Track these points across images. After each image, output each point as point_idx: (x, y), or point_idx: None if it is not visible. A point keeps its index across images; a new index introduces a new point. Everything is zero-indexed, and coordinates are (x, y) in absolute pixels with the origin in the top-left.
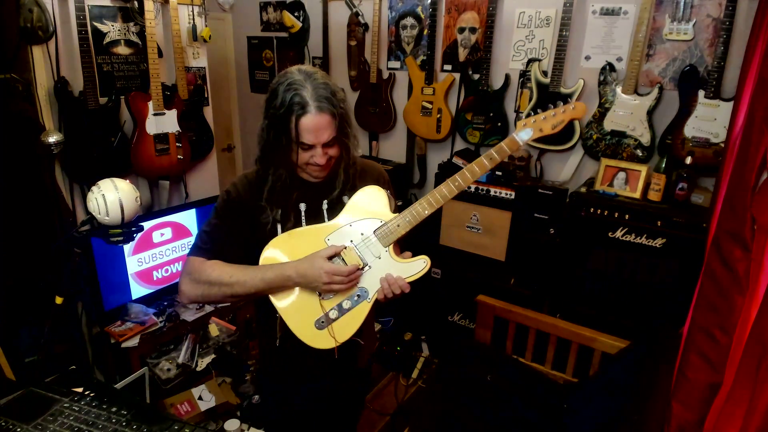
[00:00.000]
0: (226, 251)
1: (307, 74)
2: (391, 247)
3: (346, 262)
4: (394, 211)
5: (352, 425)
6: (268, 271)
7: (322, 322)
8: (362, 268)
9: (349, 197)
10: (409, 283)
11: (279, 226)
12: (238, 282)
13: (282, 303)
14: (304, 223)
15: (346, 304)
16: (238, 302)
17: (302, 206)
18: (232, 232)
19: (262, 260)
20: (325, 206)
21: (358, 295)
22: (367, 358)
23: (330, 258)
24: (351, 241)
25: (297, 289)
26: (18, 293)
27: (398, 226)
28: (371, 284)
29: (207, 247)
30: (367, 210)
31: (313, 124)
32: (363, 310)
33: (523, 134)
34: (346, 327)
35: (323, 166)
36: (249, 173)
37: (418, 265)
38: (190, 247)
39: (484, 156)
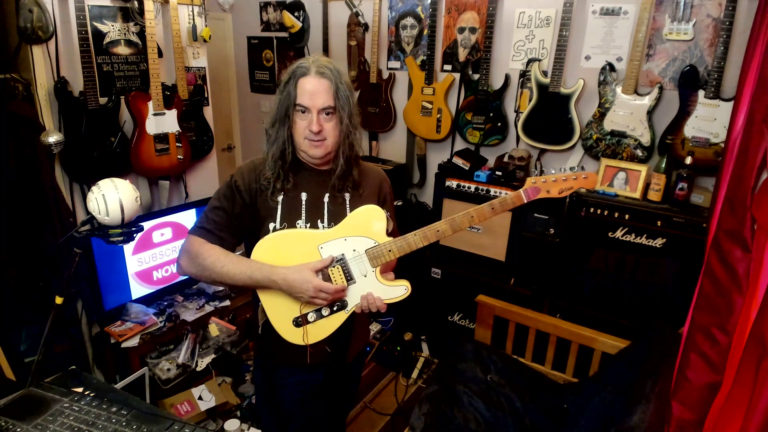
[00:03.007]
0: (224, 233)
1: (315, 57)
2: (378, 269)
3: (331, 277)
4: (390, 234)
5: (341, 418)
6: (256, 271)
7: (300, 321)
8: (347, 287)
9: (351, 195)
10: (387, 303)
11: (279, 211)
12: (228, 273)
13: (266, 294)
14: (304, 212)
15: (324, 311)
16: (230, 288)
17: (303, 195)
18: (231, 216)
19: (254, 254)
20: (326, 198)
21: (338, 305)
22: (354, 353)
23: (317, 271)
24: (342, 254)
25: None
26: (18, 293)
27: (390, 251)
28: (352, 298)
29: (206, 227)
30: (364, 228)
31: (311, 85)
32: (339, 318)
33: (531, 192)
34: (320, 331)
35: (319, 138)
36: (256, 159)
37: (399, 290)
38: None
39: (487, 204)
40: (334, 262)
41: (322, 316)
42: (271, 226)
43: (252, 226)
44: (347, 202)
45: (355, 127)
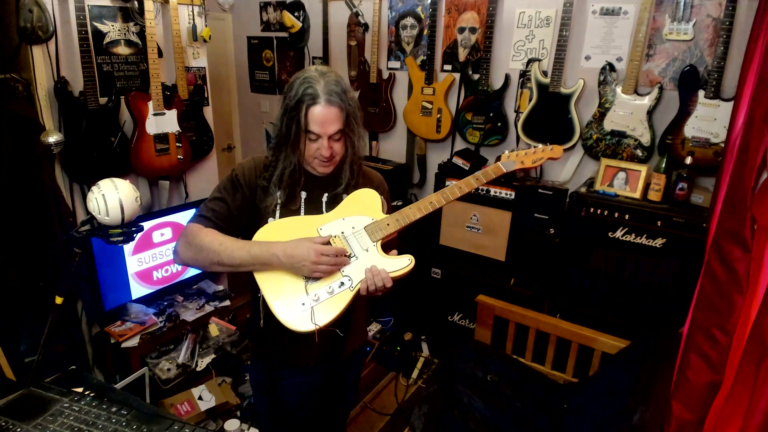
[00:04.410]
0: (222, 222)
1: (322, 72)
2: (379, 243)
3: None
4: (387, 214)
5: (340, 419)
6: (255, 246)
7: (303, 304)
8: (349, 256)
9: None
10: (394, 279)
11: (278, 208)
12: (225, 250)
13: (266, 282)
14: (302, 210)
15: (329, 290)
16: (225, 271)
17: (303, 194)
18: (231, 208)
19: (254, 239)
20: (324, 198)
21: (342, 283)
22: (351, 349)
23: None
24: (342, 232)
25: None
26: (18, 293)
27: (388, 224)
28: (356, 274)
29: (206, 215)
30: (361, 208)
31: (322, 115)
32: (345, 297)
33: (508, 164)
34: (327, 312)
35: (327, 160)
36: (257, 156)
37: (402, 262)
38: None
39: (472, 176)
40: (334, 236)
41: (327, 296)
42: (270, 220)
43: (250, 222)
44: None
45: (361, 140)
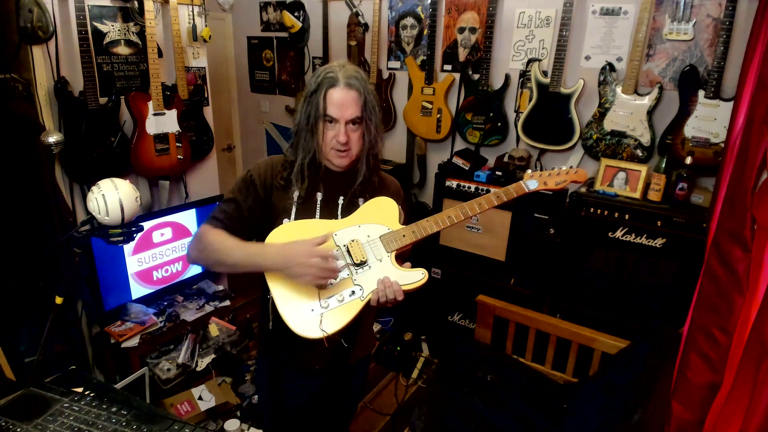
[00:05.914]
0: (234, 224)
1: (342, 64)
2: (393, 254)
3: (351, 254)
4: (403, 224)
5: (343, 423)
6: (252, 246)
7: (312, 310)
8: (363, 264)
9: (365, 201)
10: (405, 293)
11: (294, 209)
12: (224, 249)
13: (277, 286)
14: (318, 212)
15: (339, 298)
16: (229, 272)
17: (318, 195)
18: (242, 209)
19: (267, 241)
20: (341, 201)
21: (353, 292)
22: (358, 356)
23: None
24: (357, 239)
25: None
26: (18, 293)
27: (404, 236)
28: (368, 284)
29: (218, 216)
30: (378, 217)
31: (340, 97)
32: (354, 307)
33: (530, 183)
34: (335, 320)
35: (344, 149)
36: (275, 157)
37: (415, 275)
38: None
39: (493, 193)
40: (334, 233)
41: (337, 304)
42: (285, 221)
43: (264, 222)
44: (360, 206)
45: (379, 135)
